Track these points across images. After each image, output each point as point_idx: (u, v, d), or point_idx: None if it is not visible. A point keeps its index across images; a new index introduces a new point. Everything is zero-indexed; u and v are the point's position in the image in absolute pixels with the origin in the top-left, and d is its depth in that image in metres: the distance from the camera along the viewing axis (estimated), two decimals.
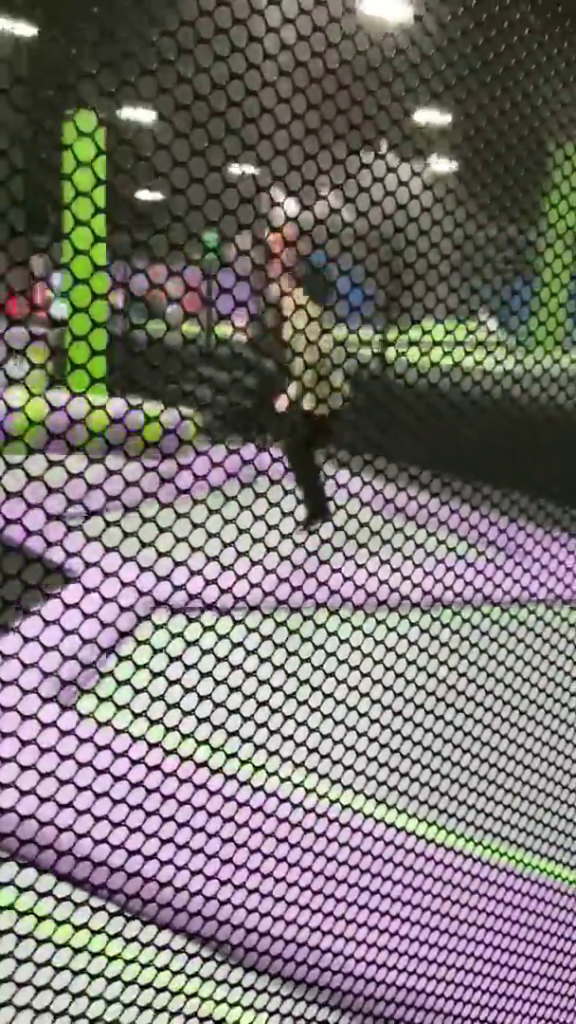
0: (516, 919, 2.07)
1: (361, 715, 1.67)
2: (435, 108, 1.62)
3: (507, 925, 2.05)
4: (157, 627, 1.53)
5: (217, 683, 1.44)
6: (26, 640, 1.25)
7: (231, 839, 1.54)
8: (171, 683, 1.37)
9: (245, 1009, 1.64)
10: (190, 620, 1.44)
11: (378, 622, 1.74)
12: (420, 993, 1.94)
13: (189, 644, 1.38)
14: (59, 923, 1.34)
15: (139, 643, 1.41)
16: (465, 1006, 1.98)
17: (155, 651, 1.39)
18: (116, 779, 1.38)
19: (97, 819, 1.37)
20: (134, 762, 1.42)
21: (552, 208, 2.02)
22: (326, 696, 1.62)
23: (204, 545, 1.43)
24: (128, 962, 1.44)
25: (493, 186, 1.81)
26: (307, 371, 4.81)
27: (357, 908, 1.79)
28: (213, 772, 1.54)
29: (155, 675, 1.36)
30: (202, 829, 1.49)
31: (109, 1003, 1.43)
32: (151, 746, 1.49)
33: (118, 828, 1.39)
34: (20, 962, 1.31)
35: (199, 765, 1.53)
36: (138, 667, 1.35)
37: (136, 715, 1.38)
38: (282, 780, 1.61)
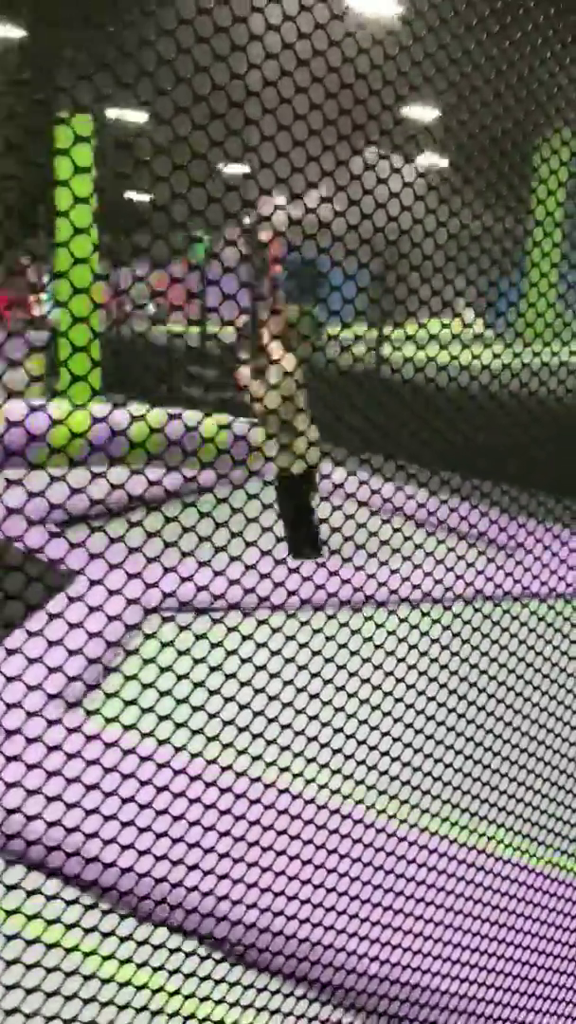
0: (525, 912, 2.08)
1: (379, 713, 1.67)
2: (425, 104, 1.62)
3: (517, 920, 2.06)
4: (182, 628, 1.53)
5: (242, 684, 1.45)
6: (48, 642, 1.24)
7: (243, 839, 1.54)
8: (196, 685, 1.38)
9: (272, 1013, 1.64)
10: (214, 621, 1.45)
11: (377, 625, 1.74)
12: (436, 992, 1.95)
13: (214, 646, 1.40)
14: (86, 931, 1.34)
15: (164, 644, 1.41)
16: (490, 1005, 1.99)
17: (180, 653, 1.40)
18: (142, 782, 1.38)
19: (124, 823, 1.37)
20: (142, 759, 1.42)
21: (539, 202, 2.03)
22: (350, 695, 1.63)
23: (227, 545, 1.44)
24: (122, 962, 1.45)
25: (484, 179, 1.81)
26: (271, 417, 4.77)
27: (371, 906, 1.79)
28: (239, 775, 1.54)
29: (180, 677, 1.36)
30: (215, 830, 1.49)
31: (121, 1008, 1.43)
32: (160, 743, 1.49)
33: (134, 831, 1.39)
34: (28, 966, 1.31)
35: (209, 762, 1.53)
36: (162, 669, 1.36)
37: (161, 718, 1.39)
38: (294, 776, 1.61)
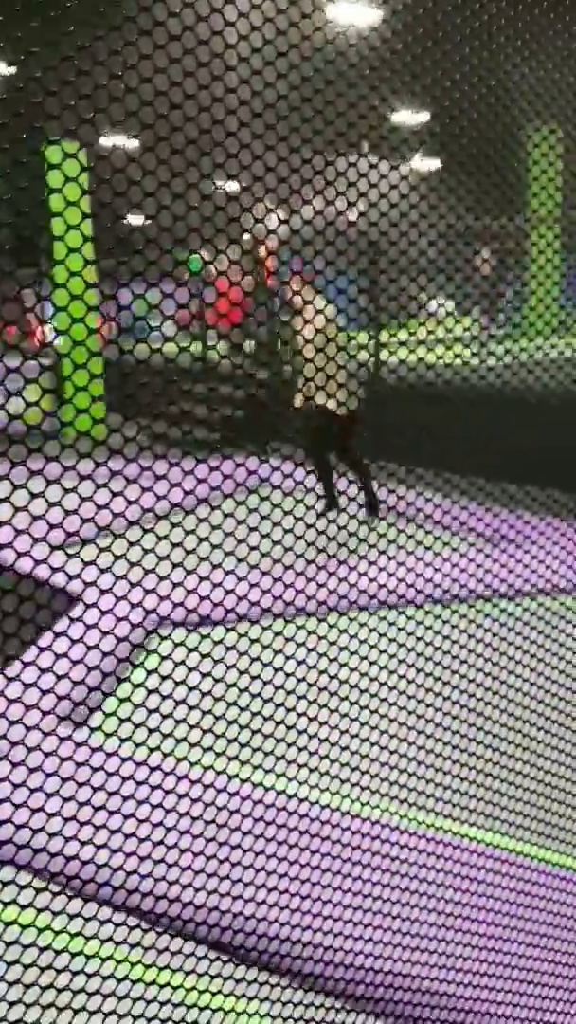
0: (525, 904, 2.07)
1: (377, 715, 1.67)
2: (415, 107, 1.63)
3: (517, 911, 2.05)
4: (203, 637, 1.53)
5: (264, 683, 1.44)
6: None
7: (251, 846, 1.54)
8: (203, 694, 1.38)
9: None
10: (228, 630, 1.45)
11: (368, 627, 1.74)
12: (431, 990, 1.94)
13: (229, 649, 1.40)
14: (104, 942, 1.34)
15: (178, 646, 1.41)
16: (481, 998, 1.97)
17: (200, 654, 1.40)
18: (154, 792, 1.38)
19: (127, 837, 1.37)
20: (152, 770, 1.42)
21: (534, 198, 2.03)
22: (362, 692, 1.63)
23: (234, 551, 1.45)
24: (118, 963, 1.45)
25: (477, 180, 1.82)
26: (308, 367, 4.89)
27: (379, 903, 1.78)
28: (243, 781, 1.54)
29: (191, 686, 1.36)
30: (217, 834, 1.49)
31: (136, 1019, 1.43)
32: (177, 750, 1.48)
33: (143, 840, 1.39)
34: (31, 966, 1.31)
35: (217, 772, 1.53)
36: (190, 670, 1.35)
37: (179, 721, 1.39)
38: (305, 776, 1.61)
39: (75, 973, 1.34)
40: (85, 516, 1.26)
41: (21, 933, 1.30)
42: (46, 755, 1.29)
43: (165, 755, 1.40)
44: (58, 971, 1.32)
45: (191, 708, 1.42)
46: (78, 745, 1.35)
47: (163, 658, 1.40)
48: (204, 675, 1.42)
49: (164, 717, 1.38)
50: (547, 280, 2.14)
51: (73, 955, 1.34)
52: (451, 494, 2.04)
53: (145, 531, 1.38)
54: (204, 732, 1.43)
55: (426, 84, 1.64)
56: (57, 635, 1.29)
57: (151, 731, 1.38)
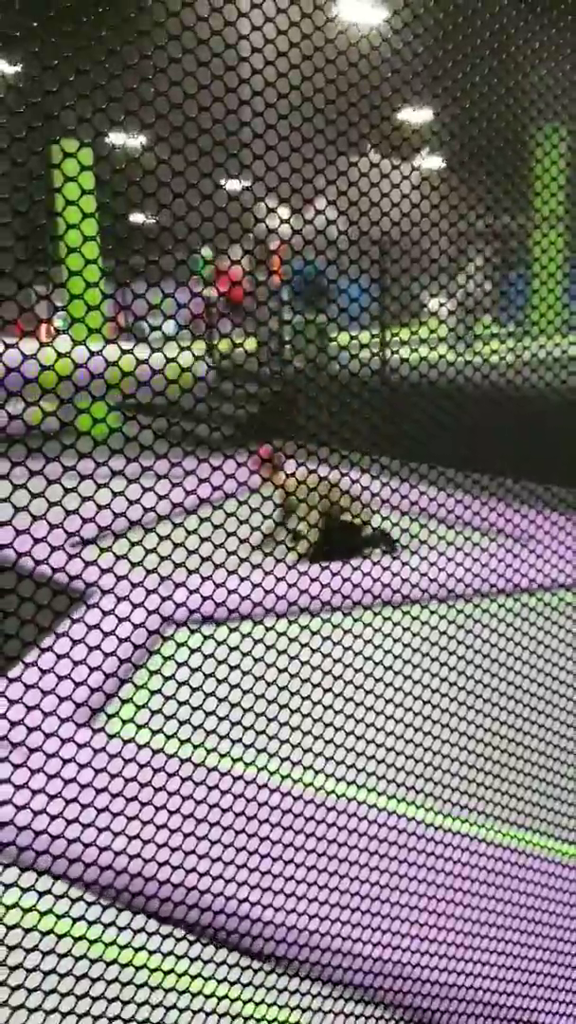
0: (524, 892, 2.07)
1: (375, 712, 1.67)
2: (422, 105, 1.63)
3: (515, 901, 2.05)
4: (206, 637, 1.54)
5: (269, 685, 1.45)
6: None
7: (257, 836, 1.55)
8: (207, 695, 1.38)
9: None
10: (231, 630, 1.46)
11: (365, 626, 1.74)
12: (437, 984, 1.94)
13: (232, 649, 1.41)
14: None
15: (182, 647, 1.42)
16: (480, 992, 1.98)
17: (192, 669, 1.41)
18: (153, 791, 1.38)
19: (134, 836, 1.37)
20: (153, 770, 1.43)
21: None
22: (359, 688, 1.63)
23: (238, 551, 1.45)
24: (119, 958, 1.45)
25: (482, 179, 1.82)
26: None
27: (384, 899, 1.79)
28: (249, 783, 1.55)
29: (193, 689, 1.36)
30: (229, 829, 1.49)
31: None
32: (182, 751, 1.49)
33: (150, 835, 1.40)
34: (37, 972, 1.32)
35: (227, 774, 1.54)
36: (194, 670, 1.36)
37: (181, 723, 1.40)
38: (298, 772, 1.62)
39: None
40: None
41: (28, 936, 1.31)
42: (71, 761, 1.29)
43: (190, 759, 1.41)
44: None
45: (229, 704, 1.42)
46: (99, 743, 1.35)
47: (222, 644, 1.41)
48: (284, 667, 1.42)
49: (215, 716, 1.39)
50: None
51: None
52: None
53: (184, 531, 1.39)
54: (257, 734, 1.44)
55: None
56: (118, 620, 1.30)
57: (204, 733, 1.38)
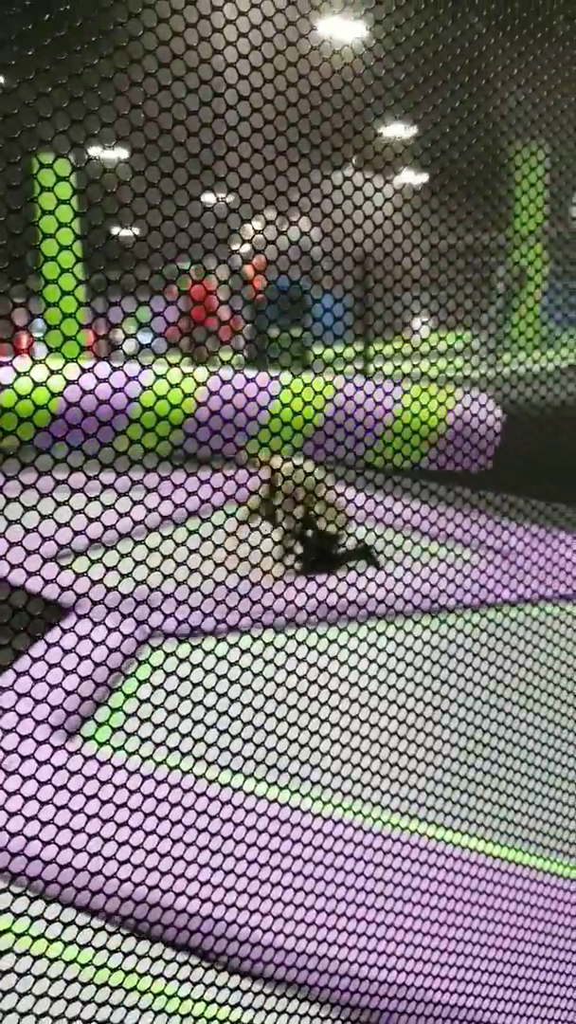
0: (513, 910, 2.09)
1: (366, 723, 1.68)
2: (401, 121, 1.66)
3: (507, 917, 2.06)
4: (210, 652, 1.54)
5: (268, 699, 1.46)
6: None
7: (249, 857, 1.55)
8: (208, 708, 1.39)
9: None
10: (219, 641, 1.46)
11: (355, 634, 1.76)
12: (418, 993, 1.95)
13: (207, 671, 1.41)
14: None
15: (169, 659, 1.43)
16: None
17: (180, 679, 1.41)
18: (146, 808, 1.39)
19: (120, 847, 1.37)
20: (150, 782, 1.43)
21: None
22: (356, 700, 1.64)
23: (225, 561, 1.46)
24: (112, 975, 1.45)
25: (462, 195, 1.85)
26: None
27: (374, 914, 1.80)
28: (246, 795, 1.55)
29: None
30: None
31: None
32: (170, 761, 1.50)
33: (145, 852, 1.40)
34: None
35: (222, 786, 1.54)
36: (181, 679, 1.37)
37: (169, 731, 1.40)
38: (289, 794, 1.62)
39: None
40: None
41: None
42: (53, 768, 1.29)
43: (178, 768, 1.41)
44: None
45: (220, 714, 1.43)
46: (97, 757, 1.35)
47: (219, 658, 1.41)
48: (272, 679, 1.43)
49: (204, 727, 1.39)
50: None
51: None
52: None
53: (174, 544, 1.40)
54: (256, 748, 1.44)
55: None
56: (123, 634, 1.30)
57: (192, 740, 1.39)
